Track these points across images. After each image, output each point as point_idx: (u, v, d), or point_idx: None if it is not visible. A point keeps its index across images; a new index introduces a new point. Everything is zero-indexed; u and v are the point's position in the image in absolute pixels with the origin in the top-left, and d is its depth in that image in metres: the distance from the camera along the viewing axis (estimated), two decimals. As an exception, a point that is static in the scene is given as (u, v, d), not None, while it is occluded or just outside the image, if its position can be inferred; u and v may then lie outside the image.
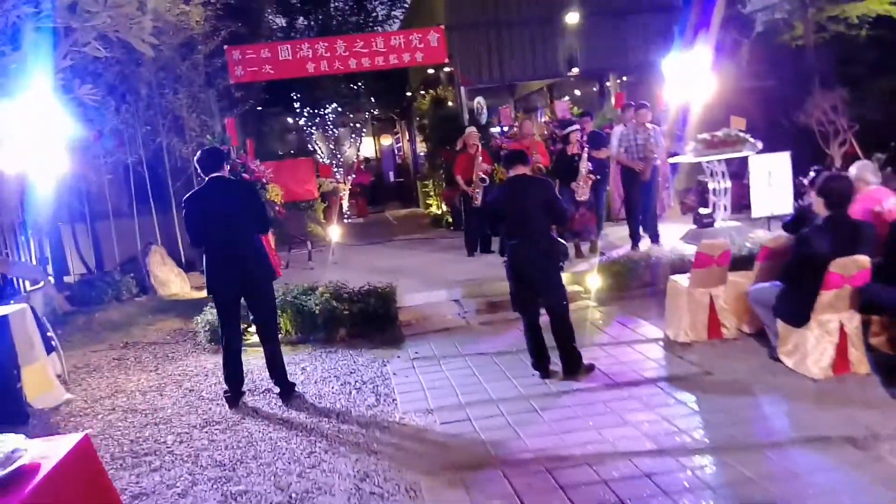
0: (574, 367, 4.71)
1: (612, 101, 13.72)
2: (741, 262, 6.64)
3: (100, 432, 4.62)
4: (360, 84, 17.45)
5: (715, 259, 5.12)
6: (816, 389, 4.14)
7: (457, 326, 6.44)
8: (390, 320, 6.56)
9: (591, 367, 4.77)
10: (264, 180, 8.42)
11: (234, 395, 4.94)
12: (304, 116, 17.92)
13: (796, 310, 4.31)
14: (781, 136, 10.96)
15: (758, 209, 7.98)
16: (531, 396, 4.41)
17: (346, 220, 17.09)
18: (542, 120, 12.94)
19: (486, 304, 6.85)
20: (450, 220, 12.96)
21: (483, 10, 12.45)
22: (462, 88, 12.54)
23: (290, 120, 18.78)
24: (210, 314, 6.55)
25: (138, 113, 10.53)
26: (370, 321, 6.49)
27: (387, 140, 25.67)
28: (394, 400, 4.64)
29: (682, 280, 5.36)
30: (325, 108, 17.60)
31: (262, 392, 5.12)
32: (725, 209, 8.28)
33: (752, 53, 13.78)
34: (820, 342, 4.25)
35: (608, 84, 14.25)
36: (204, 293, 9.50)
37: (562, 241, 4.89)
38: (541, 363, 4.81)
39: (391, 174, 24.07)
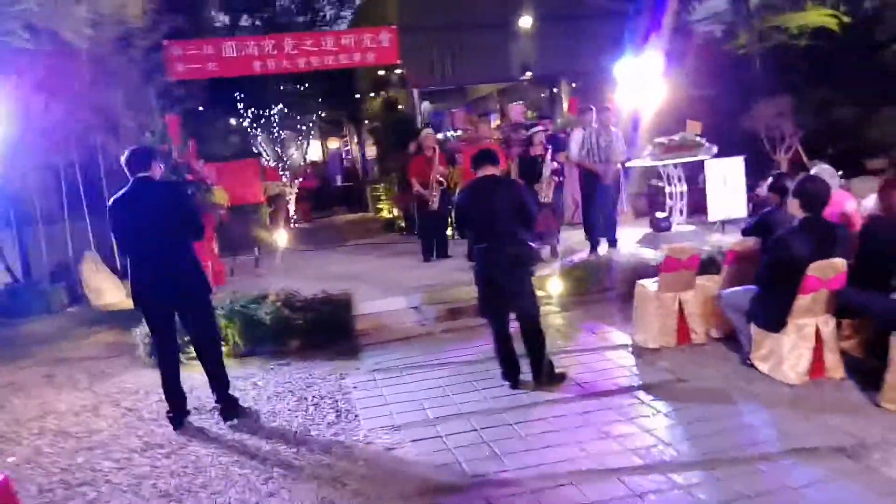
0: (546, 376, 4.49)
1: (566, 105, 13.76)
2: (703, 266, 6.62)
3: (26, 460, 4.15)
4: (306, 85, 16.98)
5: (683, 263, 5.00)
6: (794, 395, 4.04)
7: (417, 335, 6.16)
8: (347, 330, 6.22)
9: (563, 377, 4.57)
10: (209, 182, 7.95)
11: (178, 414, 4.52)
12: (249, 118, 17.31)
13: (772, 314, 4.21)
14: (729, 141, 11.12)
15: (713, 213, 7.99)
16: (504, 409, 4.17)
17: (292, 225, 16.57)
18: (494, 124, 12.79)
19: (447, 310, 6.59)
20: (403, 224, 12.68)
21: (435, 12, 12.24)
22: (415, 91, 12.28)
23: (232, 121, 18.13)
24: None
25: (70, 111, 9.87)
26: (325, 331, 6.14)
27: (334, 143, 25.20)
28: (356, 416, 4.32)
29: (651, 285, 5.23)
30: (271, 110, 17.04)
31: (210, 411, 4.71)
32: (682, 213, 8.27)
33: (698, 61, 14.00)
34: (796, 347, 4.16)
35: (555, 90, 14.28)
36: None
37: (533, 245, 4.67)
38: (511, 373, 4.58)
39: (338, 178, 23.61)
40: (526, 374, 4.60)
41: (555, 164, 8.12)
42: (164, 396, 4.67)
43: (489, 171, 4.56)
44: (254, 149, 18.08)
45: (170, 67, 10.67)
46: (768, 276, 4.21)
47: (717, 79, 13.36)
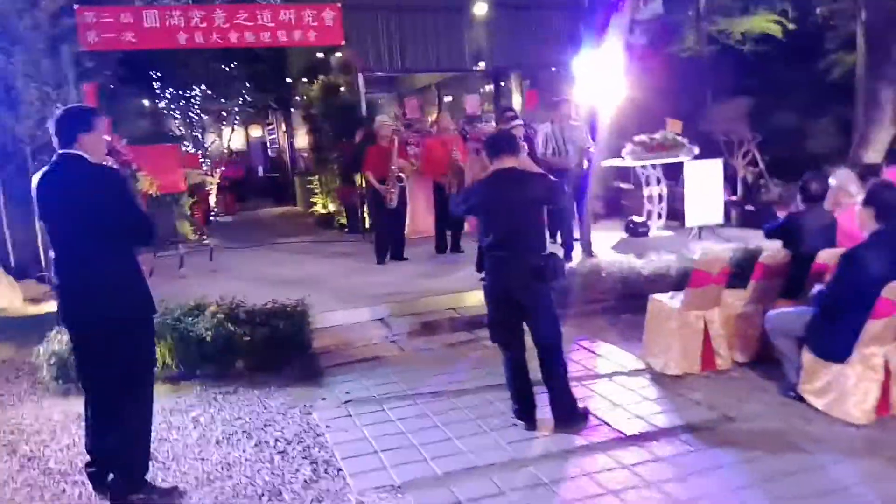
0: (570, 415, 3.75)
1: (517, 99, 13.10)
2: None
3: None
4: (234, 65, 15.55)
5: (713, 277, 4.36)
6: (866, 438, 3.45)
7: (389, 354, 5.27)
8: (303, 347, 5.25)
9: (585, 415, 3.82)
10: (134, 166, 6.73)
11: (101, 468, 3.45)
12: (167, 98, 15.71)
13: (836, 342, 3.62)
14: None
15: (691, 218, 7.51)
16: (532, 461, 3.36)
17: (213, 218, 15.17)
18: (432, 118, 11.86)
19: (420, 324, 5.73)
20: (344, 221, 11.66)
21: (384, -11, 11.29)
22: (360, 76, 11.27)
23: (146, 102, 16.44)
24: (57, 342, 4.89)
25: (-45, 79, 8.33)
26: (278, 349, 5.14)
27: (257, 131, 23.65)
28: (339, 470, 3.40)
29: (669, 300, 4.57)
30: (192, 91, 15.52)
31: (142, 459, 3.65)
32: (660, 217, 7.74)
33: (651, 60, 13.72)
34: (862, 380, 3.58)
35: (502, 83, 13.60)
36: (41, 307, 7.60)
37: (559, 255, 3.90)
38: (527, 410, 3.79)
39: (260, 169, 22.11)
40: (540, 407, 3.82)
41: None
42: (79, 439, 3.58)
43: (508, 162, 3.74)
44: (170, 132, 16.50)
45: (81, 35, 9.22)
46: (835, 298, 3.61)
47: (671, 79, 13.13)
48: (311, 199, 13.74)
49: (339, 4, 10.58)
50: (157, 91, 15.61)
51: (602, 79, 9.78)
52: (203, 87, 15.54)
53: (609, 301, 6.09)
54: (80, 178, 3.12)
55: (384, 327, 5.74)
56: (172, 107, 15.78)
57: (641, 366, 4.63)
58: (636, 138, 7.55)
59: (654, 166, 7.60)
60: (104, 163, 3.26)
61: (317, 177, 13.23)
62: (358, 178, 11.11)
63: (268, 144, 22.56)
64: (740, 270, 4.79)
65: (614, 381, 4.40)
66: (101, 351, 3.26)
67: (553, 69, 12.80)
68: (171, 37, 10.05)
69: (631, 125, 10.03)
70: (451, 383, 4.51)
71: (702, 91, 12.28)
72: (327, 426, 3.95)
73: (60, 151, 3.16)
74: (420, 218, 9.55)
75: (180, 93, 15.59)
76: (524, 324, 3.78)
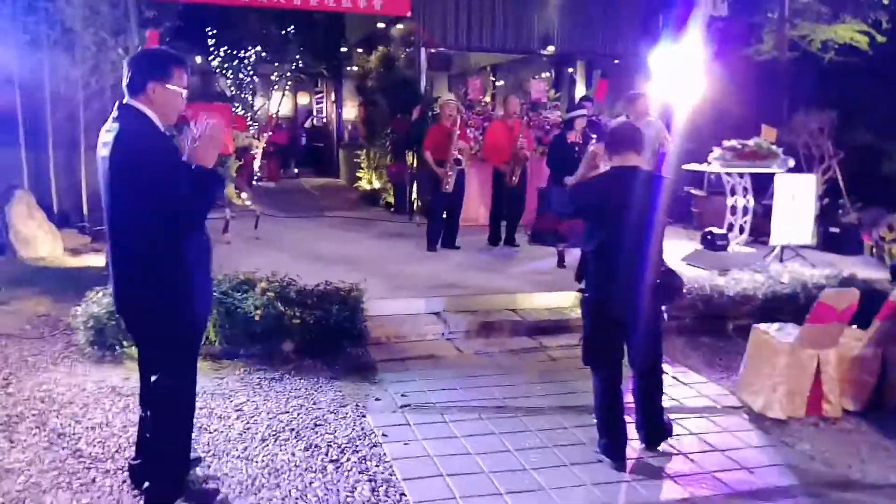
0: (662, 437, 3.48)
1: (581, 90, 12.50)
2: (779, 306, 5.56)
3: None
4: (290, 29, 15.15)
5: (839, 313, 3.84)
6: None
7: (445, 354, 4.84)
8: (356, 336, 4.84)
9: (671, 428, 3.55)
10: (192, 124, 6.36)
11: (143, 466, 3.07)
12: (220, 57, 15.39)
13: None
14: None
15: (777, 236, 6.91)
16: (626, 511, 2.93)
17: (256, 183, 14.88)
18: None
19: (478, 324, 5.29)
20: (390, 199, 11.25)
21: (455, -37, 10.74)
22: (422, 51, 10.77)
23: (198, 59, 16.15)
24: (95, 304, 4.57)
25: (16, 17, 8.04)
26: (329, 336, 4.75)
27: (304, 98, 23.33)
28: (402, 496, 2.99)
29: (777, 333, 4.06)
30: (247, 51, 15.17)
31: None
32: (742, 231, 7.16)
33: (722, 61, 13.02)
34: None
35: (570, 70, 13.00)
36: (82, 259, 7.36)
37: (677, 272, 3.42)
38: (618, 449, 3.32)
39: (304, 137, 21.80)
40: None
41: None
42: (110, 410, 3.22)
43: (631, 160, 3.30)
44: (220, 91, 16.22)
45: (144, -20, 8.88)
46: None
47: (746, 83, 12.42)
48: (357, 174, 13.35)
49: (409, -26, 10.12)
50: (211, 49, 15.29)
51: (679, 76, 9.18)
52: (258, 48, 15.17)
53: (685, 319, 5.59)
54: (119, 139, 2.51)
55: (440, 323, 5.31)
56: (225, 66, 15.45)
57: (735, 402, 4.13)
58: (726, 143, 6.96)
59: (741, 175, 7.01)
60: (170, 126, 2.77)
61: (364, 151, 12.82)
62: (410, 156, 10.74)
63: (314, 113, 22.22)
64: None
65: (708, 418, 3.91)
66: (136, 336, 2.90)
67: (616, 61, 12.19)
68: (236, -9, 9.73)
69: (705, 128, 9.42)
70: (517, 398, 4.07)
71: (778, 99, 11.57)
72: (384, 434, 3.54)
73: (122, 102, 2.61)
74: (473, 205, 9.08)
75: (234, 52, 15.25)
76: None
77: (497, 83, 15.60)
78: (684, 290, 3.49)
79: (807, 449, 3.56)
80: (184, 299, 2.64)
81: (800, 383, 3.86)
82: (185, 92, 2.67)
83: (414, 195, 10.56)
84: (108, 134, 2.57)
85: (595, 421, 3.44)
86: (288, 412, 3.79)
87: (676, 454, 3.49)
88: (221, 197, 9.18)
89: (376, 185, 12.29)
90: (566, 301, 5.74)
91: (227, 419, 3.67)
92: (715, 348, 5.15)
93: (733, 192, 7.10)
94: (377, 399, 4.02)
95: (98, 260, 7.11)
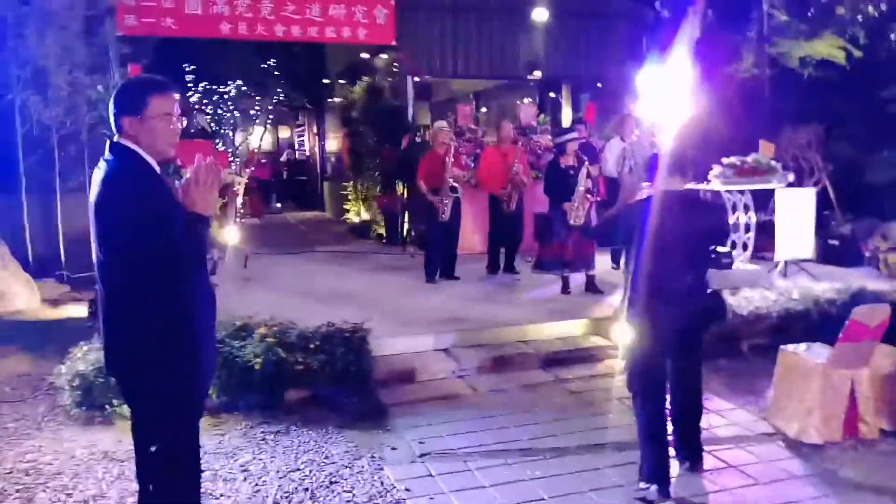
0: (701, 454, 3.47)
1: (572, 112, 12.43)
2: (792, 323, 5.37)
3: None
4: (273, 61, 14.98)
5: (871, 329, 3.64)
6: None
7: (459, 394, 4.57)
8: (364, 380, 4.56)
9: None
10: (178, 162, 6.09)
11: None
12: (199, 92, 15.16)
13: None
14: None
15: (781, 251, 6.77)
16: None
17: (239, 220, 14.55)
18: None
19: (490, 359, 5.02)
20: (381, 231, 11.00)
21: (439, -10, 10.69)
22: (409, 79, 10.64)
23: (176, 97, 15.92)
24: (81, 361, 4.24)
25: (-16, 57, 7.78)
26: (335, 381, 4.47)
27: (285, 132, 23.16)
28: (437, 561, 2.70)
29: (806, 353, 3.85)
30: (227, 86, 14.97)
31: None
32: (745, 248, 7.00)
33: (705, 80, 13.07)
34: None
35: (553, 94, 12.94)
36: (60, 310, 6.97)
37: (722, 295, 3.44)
38: (665, 472, 3.20)
39: (285, 171, 21.56)
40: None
41: (589, 182, 6.65)
42: (102, 481, 2.89)
43: (677, 184, 3.29)
44: (200, 127, 15.96)
45: (119, 18, 8.67)
46: None
47: (729, 100, 12.44)
48: (345, 206, 13.11)
49: (392, 2, 10.01)
50: (190, 84, 15.07)
51: (666, 96, 9.15)
52: (238, 82, 14.98)
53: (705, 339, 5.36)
54: (101, 181, 2.29)
55: (449, 359, 5.04)
56: (205, 101, 15.23)
57: (768, 429, 3.90)
58: (725, 160, 6.84)
59: (741, 192, 6.88)
60: (164, 154, 2.47)
61: (352, 183, 12.60)
62: (400, 186, 10.52)
63: (295, 146, 22.02)
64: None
65: (744, 448, 3.67)
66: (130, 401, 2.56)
67: (599, 85, 12.15)
68: (214, 26, 9.52)
69: (693, 147, 9.34)
70: (542, 438, 3.80)
71: (762, 115, 11.58)
72: (407, 489, 3.25)
73: (113, 140, 2.37)
74: (468, 233, 8.85)
75: (214, 87, 15.05)
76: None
77: (480, 109, 15.54)
78: (728, 314, 3.55)
79: (851, 476, 3.34)
80: (185, 355, 2.35)
81: (835, 406, 3.66)
82: (172, 117, 2.36)
83: (406, 226, 10.34)
84: (96, 175, 2.33)
85: (639, 452, 3.24)
86: (299, 469, 3.49)
87: (720, 491, 3.26)
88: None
89: (365, 216, 12.05)
90: (577, 329, 5.52)
91: (233, 482, 3.36)
92: (735, 371, 4.94)
93: (734, 210, 6.96)
94: (393, 448, 3.73)
95: (79, 310, 6.73)
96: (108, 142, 2.38)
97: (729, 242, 7.08)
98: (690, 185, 6.52)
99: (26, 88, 8.03)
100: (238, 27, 9.57)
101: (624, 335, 4.55)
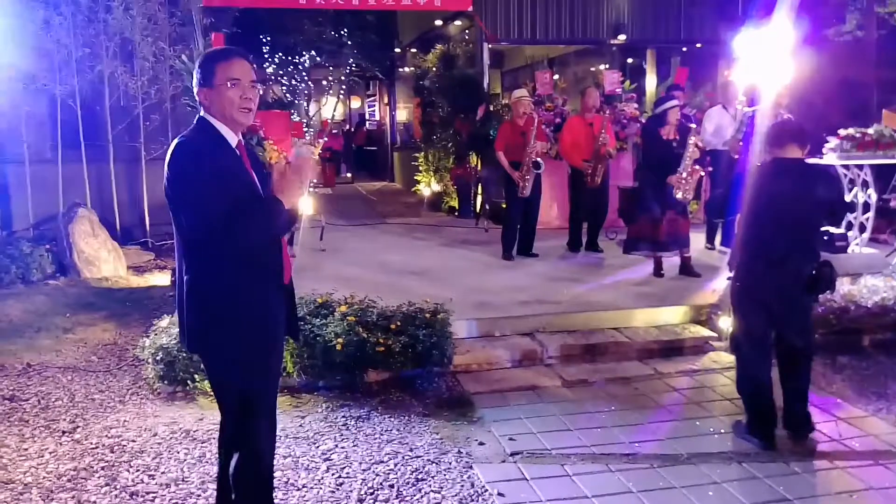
0: (807, 428, 3.50)
1: (654, 79, 11.75)
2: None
3: None
4: (343, 32, 14.79)
5: None
6: None
7: (547, 385, 4.29)
8: (445, 363, 4.36)
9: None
10: (261, 133, 6.00)
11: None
12: (275, 64, 15.15)
13: None
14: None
15: (902, 235, 6.13)
16: None
17: (313, 190, 14.60)
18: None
19: (580, 347, 4.72)
20: (454, 203, 10.75)
21: (515, -49, 10.17)
22: (485, 46, 10.23)
23: (244, 62, 16.00)
24: (165, 335, 4.20)
25: (75, 30, 7.89)
26: (417, 364, 4.28)
27: (356, 102, 23.10)
28: (538, 578, 2.47)
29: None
30: (301, 57, 14.90)
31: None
32: (864, 230, 6.38)
33: (803, 44, 12.10)
34: None
35: (632, 60, 12.24)
36: (146, 278, 7.09)
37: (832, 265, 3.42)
38: (770, 430, 3.44)
39: (355, 141, 21.54)
40: None
41: (696, 150, 6.15)
42: (185, 457, 2.82)
43: (795, 152, 3.43)
44: (274, 97, 16.02)
45: (201, -11, 8.61)
46: None
47: (829, 67, 11.48)
48: (415, 177, 12.91)
49: (470, -35, 9.60)
50: (266, 55, 15.08)
51: (767, 61, 8.46)
52: (312, 53, 14.89)
53: (816, 336, 4.89)
54: (173, 158, 2.24)
55: (535, 345, 4.76)
56: (280, 72, 15.22)
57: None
58: (842, 132, 6.20)
59: (860, 167, 6.24)
60: (240, 122, 2.32)
61: (423, 153, 12.35)
62: (474, 158, 10.22)
63: (367, 116, 21.95)
64: None
65: (885, 466, 3.26)
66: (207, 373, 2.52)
67: (685, 49, 11.39)
68: (292, -5, 9.39)
69: (793, 115, 8.65)
70: (646, 442, 3.49)
71: (866, 83, 10.62)
72: (500, 494, 3.01)
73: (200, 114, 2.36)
74: (545, 207, 8.49)
75: (288, 58, 15.00)
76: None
77: (555, 76, 14.95)
78: (835, 285, 3.45)
79: None
80: (256, 324, 2.31)
81: None
82: (240, 81, 2.28)
83: (479, 198, 10.06)
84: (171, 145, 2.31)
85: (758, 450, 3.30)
86: (383, 462, 3.31)
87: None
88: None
89: (436, 188, 11.82)
90: (676, 317, 5.14)
91: (315, 471, 3.22)
92: (859, 371, 4.47)
93: (851, 186, 6.32)
94: (481, 443, 3.50)
95: (162, 278, 6.82)
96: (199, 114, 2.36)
97: (844, 223, 6.49)
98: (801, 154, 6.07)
99: (114, 60, 8.12)
100: (315, -4, 9.40)
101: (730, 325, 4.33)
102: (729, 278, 3.68)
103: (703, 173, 6.12)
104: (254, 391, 2.37)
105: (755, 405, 3.47)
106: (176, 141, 2.27)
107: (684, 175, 5.94)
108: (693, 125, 6.23)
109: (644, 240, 6.07)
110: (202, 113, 2.33)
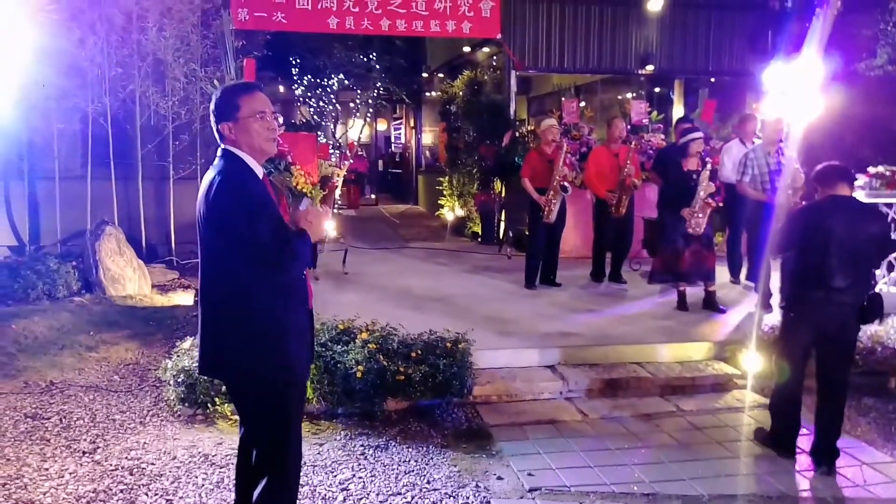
0: (835, 457, 3.62)
1: (679, 110, 11.71)
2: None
3: None
4: (372, 56, 14.98)
5: None
6: None
7: (568, 419, 4.23)
8: (465, 393, 4.32)
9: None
10: (289, 158, 6.06)
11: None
12: (303, 86, 15.40)
13: None
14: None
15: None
16: None
17: (336, 211, 14.72)
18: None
19: (602, 381, 4.66)
20: (477, 229, 10.76)
21: (547, -19, 10.25)
22: (512, 74, 10.30)
23: (280, 88, 16.24)
24: (187, 357, 4.21)
25: (109, 49, 8.08)
26: (436, 394, 4.25)
27: (382, 125, 23.33)
28: None
29: None
30: (329, 79, 15.11)
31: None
32: (892, 269, 6.26)
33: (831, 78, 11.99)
34: None
35: (657, 90, 12.22)
36: (170, 297, 7.14)
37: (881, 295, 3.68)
38: (793, 447, 3.75)
39: (380, 163, 21.73)
40: None
41: (712, 185, 6.09)
42: (205, 482, 2.81)
43: (844, 190, 3.65)
44: (303, 119, 16.23)
45: (233, 13, 8.79)
46: None
47: (857, 102, 11.35)
48: (439, 201, 12.95)
49: (499, -6, 9.70)
50: (295, 77, 15.33)
51: (796, 95, 8.41)
52: (340, 76, 15.10)
53: (860, 378, 4.81)
54: (210, 184, 2.31)
55: (555, 378, 4.71)
56: (308, 94, 15.45)
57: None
58: (872, 170, 6.13)
59: (890, 206, 6.15)
60: (266, 152, 2.43)
61: (447, 177, 12.40)
62: (497, 184, 10.23)
63: (392, 139, 22.15)
64: None
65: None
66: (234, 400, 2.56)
67: (713, 80, 11.33)
68: (322, 20, 9.53)
69: (822, 151, 8.55)
70: (667, 482, 3.42)
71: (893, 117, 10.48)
72: (519, 531, 2.97)
73: (222, 147, 2.41)
74: (568, 236, 8.47)
75: (317, 80, 15.23)
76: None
77: (581, 103, 14.97)
78: (882, 314, 3.66)
79: None
80: (277, 349, 2.35)
81: None
82: (266, 114, 2.37)
83: (503, 225, 10.05)
84: (204, 179, 2.37)
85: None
86: (400, 493, 3.28)
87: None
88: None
89: (460, 212, 11.84)
90: (699, 353, 5.05)
91: (332, 501, 3.19)
92: (885, 414, 4.37)
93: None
94: (499, 478, 3.45)
95: (186, 298, 6.89)
96: (219, 149, 2.41)
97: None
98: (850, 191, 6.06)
99: (146, 79, 8.29)
100: (345, 21, 9.55)
101: (756, 363, 4.31)
102: (783, 306, 3.90)
103: (714, 205, 6.00)
104: (287, 415, 2.41)
105: (783, 420, 3.75)
106: (214, 175, 2.32)
107: (696, 209, 5.88)
108: (709, 160, 6.16)
109: (667, 270, 6.01)
110: (226, 146, 2.37)
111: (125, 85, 8.27)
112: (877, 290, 6.14)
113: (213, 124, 2.41)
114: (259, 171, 2.39)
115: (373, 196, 18.38)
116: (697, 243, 6.01)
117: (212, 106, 2.41)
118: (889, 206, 6.18)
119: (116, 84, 8.22)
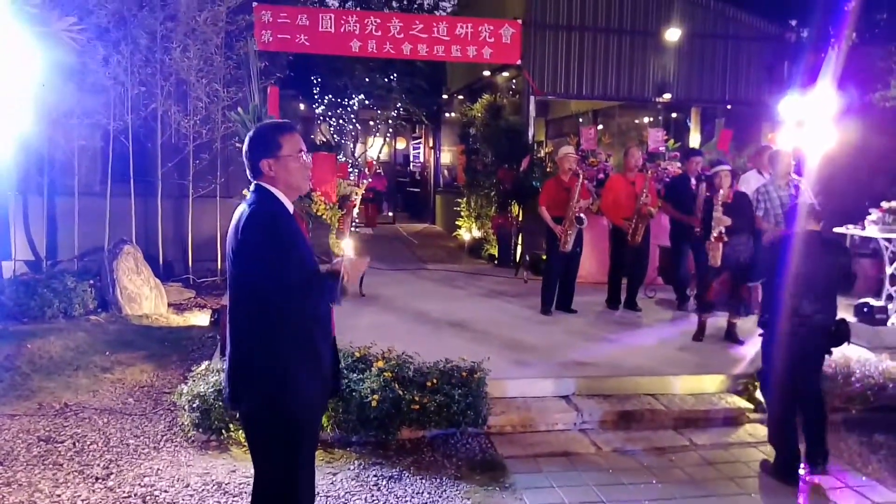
0: (826, 459, 3.95)
1: (716, 139, 11.67)
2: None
3: None
4: (394, 76, 15.15)
5: None
6: None
7: (581, 452, 4.18)
8: (480, 424, 4.29)
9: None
10: (310, 185, 6.08)
11: None
12: (324, 105, 15.57)
13: None
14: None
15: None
16: None
17: (354, 230, 14.78)
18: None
19: (615, 413, 4.60)
20: (494, 252, 10.75)
21: (567, 8, 10.29)
22: (531, 99, 10.33)
23: (301, 106, 16.42)
24: (203, 382, 4.22)
25: (132, 68, 8.22)
26: (450, 423, 4.22)
27: (401, 144, 23.48)
28: None
29: None
30: (350, 99, 15.27)
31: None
32: (902, 302, 6.16)
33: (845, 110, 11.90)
34: None
35: (674, 116, 12.20)
36: (186, 317, 7.17)
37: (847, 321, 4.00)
38: (795, 472, 3.88)
39: (397, 181, 21.83)
40: None
41: (726, 219, 5.98)
42: None
43: (813, 226, 4.02)
44: (323, 139, 16.40)
45: (256, 34, 8.92)
46: None
47: (871, 133, 11.23)
48: (456, 222, 12.97)
49: (519, 21, 9.77)
50: (316, 96, 15.52)
51: (811, 126, 8.40)
52: (361, 96, 15.26)
53: (852, 412, 4.74)
54: (244, 221, 2.33)
55: (570, 409, 4.65)
56: (328, 113, 15.62)
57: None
58: (885, 205, 6.05)
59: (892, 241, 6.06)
60: (301, 189, 2.48)
61: (465, 199, 12.44)
62: (515, 207, 10.24)
63: (410, 158, 22.26)
64: None
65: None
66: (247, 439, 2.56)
67: (729, 107, 11.29)
68: (344, 43, 9.64)
69: (834, 183, 8.48)
70: (684, 522, 3.36)
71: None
72: (532, 572, 2.92)
73: (255, 182, 2.44)
74: (584, 260, 8.42)
75: (338, 100, 15.40)
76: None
77: (598, 127, 14.98)
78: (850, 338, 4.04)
79: None
80: (294, 387, 2.35)
81: None
82: (303, 154, 2.44)
83: (519, 248, 10.04)
84: (238, 214, 2.40)
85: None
86: (413, 527, 3.25)
87: None
88: (328, 252, 8.96)
89: (477, 234, 11.85)
90: (713, 386, 4.99)
91: (342, 532, 3.17)
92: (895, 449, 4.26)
93: (893, 260, 6.12)
94: (512, 513, 3.41)
95: (202, 318, 6.92)
96: (252, 184, 2.45)
97: (884, 295, 6.26)
98: (843, 230, 6.25)
99: (168, 99, 8.42)
100: (367, 45, 9.64)
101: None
102: (761, 335, 4.16)
103: (725, 240, 5.88)
104: (304, 443, 2.42)
105: (782, 449, 3.94)
106: (246, 208, 2.35)
107: (712, 240, 5.81)
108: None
109: (713, 301, 5.95)
110: (260, 182, 2.41)
111: (147, 103, 8.41)
112: (888, 323, 6.07)
113: (247, 159, 2.43)
114: (290, 207, 2.43)
115: (390, 214, 18.45)
116: (728, 273, 5.91)
117: (248, 142, 2.44)
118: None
119: (139, 102, 8.36)
